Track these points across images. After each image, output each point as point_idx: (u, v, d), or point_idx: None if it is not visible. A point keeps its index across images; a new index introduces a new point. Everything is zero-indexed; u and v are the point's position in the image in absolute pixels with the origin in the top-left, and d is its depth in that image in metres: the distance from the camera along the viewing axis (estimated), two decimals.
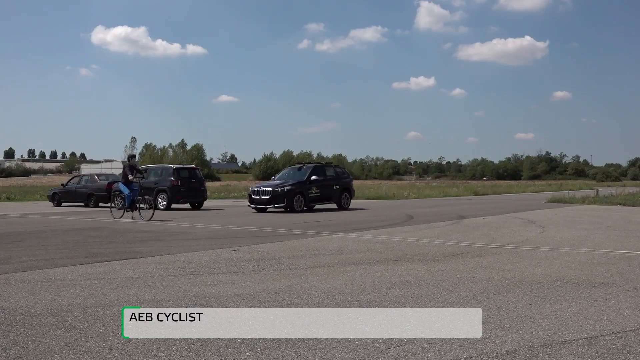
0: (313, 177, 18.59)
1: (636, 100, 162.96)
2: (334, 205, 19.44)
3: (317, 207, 19.49)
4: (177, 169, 20.75)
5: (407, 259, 7.27)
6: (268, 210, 18.12)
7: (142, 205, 14.69)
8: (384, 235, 10.39)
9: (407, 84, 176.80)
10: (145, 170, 19.58)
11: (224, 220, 14.63)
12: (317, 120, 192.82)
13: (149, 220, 14.02)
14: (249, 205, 18.72)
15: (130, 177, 14.80)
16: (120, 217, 14.91)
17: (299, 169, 19.85)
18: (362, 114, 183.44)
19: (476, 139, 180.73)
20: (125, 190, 14.81)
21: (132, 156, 16.19)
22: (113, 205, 16.02)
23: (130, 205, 14.71)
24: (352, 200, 20.36)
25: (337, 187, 19.45)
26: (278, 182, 18.96)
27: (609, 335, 3.76)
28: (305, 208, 18.47)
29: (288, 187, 18.00)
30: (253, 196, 18.38)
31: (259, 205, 18.13)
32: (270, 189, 18.03)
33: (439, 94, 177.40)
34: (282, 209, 17.81)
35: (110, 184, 23.29)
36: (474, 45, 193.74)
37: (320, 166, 20.08)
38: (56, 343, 3.58)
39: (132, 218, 14.51)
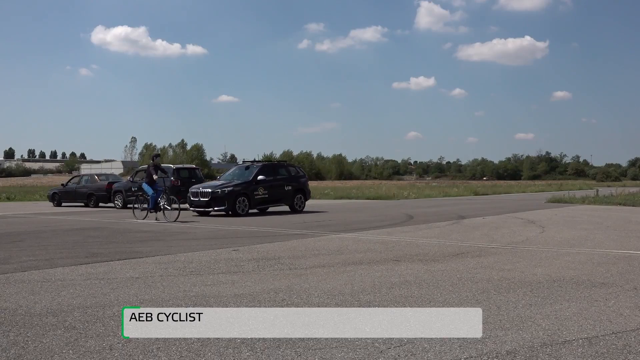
0: (260, 177, 16.77)
1: (636, 100, 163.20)
2: (286, 208, 17.97)
3: (270, 209, 18.13)
4: (177, 169, 20.76)
5: (407, 259, 7.27)
6: (211, 213, 16.45)
7: (167, 207, 14.12)
8: (384, 235, 10.38)
9: (407, 84, 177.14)
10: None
11: (224, 220, 14.61)
12: (317, 120, 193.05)
13: (174, 221, 13.56)
14: (189, 208, 17.13)
15: (154, 177, 14.28)
16: (144, 219, 14.31)
17: (247, 167, 17.85)
18: (362, 114, 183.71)
19: (476, 139, 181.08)
20: (149, 191, 14.26)
21: (156, 155, 15.40)
22: (136, 205, 15.14)
23: (154, 206, 14.18)
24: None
25: (290, 188, 17.72)
26: (221, 182, 17.22)
27: (609, 335, 3.76)
28: (256, 210, 17.27)
29: (230, 188, 16.15)
30: (192, 198, 16.61)
31: (198, 207, 16.43)
32: (209, 190, 16.18)
33: (439, 94, 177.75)
34: (223, 213, 16.20)
35: (110, 184, 23.32)
36: (474, 45, 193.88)
37: (270, 165, 18.27)
38: (56, 343, 3.58)
39: (156, 219, 14.00)
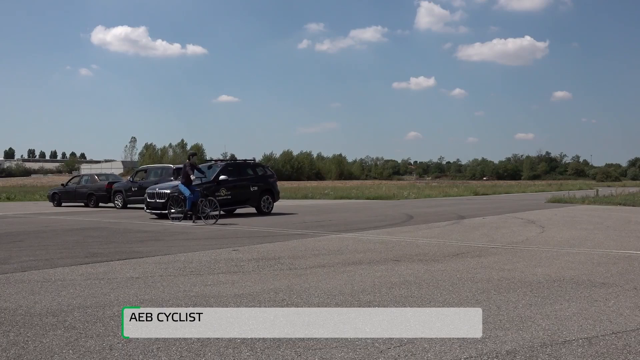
0: (222, 177, 15.70)
1: (636, 100, 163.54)
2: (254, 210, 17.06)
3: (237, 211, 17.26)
4: (177, 169, 20.75)
5: (407, 259, 7.27)
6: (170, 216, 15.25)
7: (205, 208, 13.31)
8: (384, 235, 10.38)
9: (407, 84, 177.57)
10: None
11: (223, 220, 14.61)
12: (317, 120, 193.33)
13: (213, 224, 12.82)
14: (145, 210, 16.27)
15: (192, 177, 13.48)
16: (180, 221, 13.59)
17: (209, 167, 16.79)
18: (362, 114, 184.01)
19: (476, 139, 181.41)
20: (186, 192, 13.45)
21: (193, 154, 14.33)
22: (171, 208, 14.14)
23: (192, 208, 13.42)
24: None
25: (255, 188, 16.69)
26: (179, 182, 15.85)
27: (609, 335, 3.76)
28: (222, 212, 15.95)
29: None
30: (148, 199, 15.70)
31: (155, 209, 15.45)
32: (167, 191, 15.15)
33: (439, 94, 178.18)
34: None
35: (110, 184, 23.33)
36: (474, 45, 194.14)
37: (234, 164, 17.20)
38: (56, 343, 3.58)
39: (194, 222, 13.30)
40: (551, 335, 3.76)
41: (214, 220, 13.12)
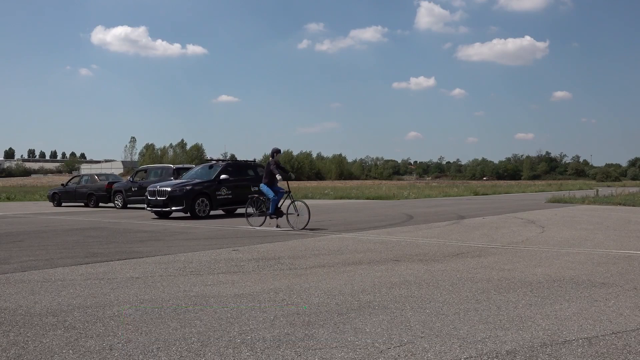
0: (223, 177, 15.68)
1: (636, 100, 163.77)
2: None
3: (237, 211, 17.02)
4: (177, 169, 20.76)
5: (407, 259, 7.27)
6: (171, 215, 15.70)
7: (293, 212, 11.86)
8: (384, 235, 10.38)
9: (407, 84, 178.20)
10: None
11: (224, 220, 14.60)
12: (317, 120, 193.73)
13: (302, 229, 11.36)
14: (146, 208, 16.28)
15: (278, 177, 11.96)
16: (261, 226, 12.20)
17: (210, 166, 16.76)
18: (362, 114, 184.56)
19: (476, 139, 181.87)
20: (270, 193, 12.07)
21: (277, 151, 12.46)
22: (250, 210, 12.80)
23: (275, 212, 12.06)
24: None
25: (256, 188, 15.74)
26: (180, 180, 16.29)
27: (609, 335, 3.76)
28: (221, 212, 16.51)
29: (189, 187, 15.14)
30: (149, 197, 15.67)
31: (155, 207, 15.45)
32: (168, 188, 15.11)
33: (439, 94, 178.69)
34: (183, 213, 15.55)
35: (110, 184, 23.35)
36: (474, 45, 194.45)
37: (236, 164, 17.15)
38: (56, 343, 3.58)
39: (277, 226, 12.04)
40: (551, 335, 3.75)
41: (304, 223, 11.53)
